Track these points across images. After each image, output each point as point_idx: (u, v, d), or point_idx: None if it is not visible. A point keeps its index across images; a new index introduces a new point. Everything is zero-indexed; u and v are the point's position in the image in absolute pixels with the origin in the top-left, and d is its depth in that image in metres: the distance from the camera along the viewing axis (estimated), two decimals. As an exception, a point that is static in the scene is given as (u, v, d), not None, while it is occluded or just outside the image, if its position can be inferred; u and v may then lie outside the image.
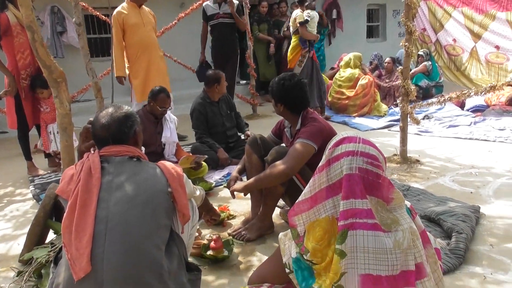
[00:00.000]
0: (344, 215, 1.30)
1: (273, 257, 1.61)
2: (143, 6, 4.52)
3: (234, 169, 2.67)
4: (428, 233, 1.50)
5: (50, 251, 2.08)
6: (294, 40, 5.65)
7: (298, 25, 5.44)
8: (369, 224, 1.28)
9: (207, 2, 5.46)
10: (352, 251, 1.28)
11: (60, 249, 1.53)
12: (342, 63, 6.58)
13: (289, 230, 1.50)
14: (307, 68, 5.65)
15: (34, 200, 3.35)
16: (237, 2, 5.47)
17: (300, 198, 1.45)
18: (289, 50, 5.73)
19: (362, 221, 1.28)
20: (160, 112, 3.59)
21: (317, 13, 5.71)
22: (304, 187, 2.24)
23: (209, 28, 5.55)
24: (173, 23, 6.20)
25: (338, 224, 1.31)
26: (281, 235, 1.55)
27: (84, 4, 5.33)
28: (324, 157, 1.41)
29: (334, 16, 9.47)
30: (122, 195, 1.46)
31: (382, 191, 1.34)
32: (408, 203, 1.48)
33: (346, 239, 1.28)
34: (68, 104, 2.37)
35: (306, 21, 5.40)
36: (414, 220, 1.44)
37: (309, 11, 5.57)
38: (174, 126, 3.78)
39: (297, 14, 5.52)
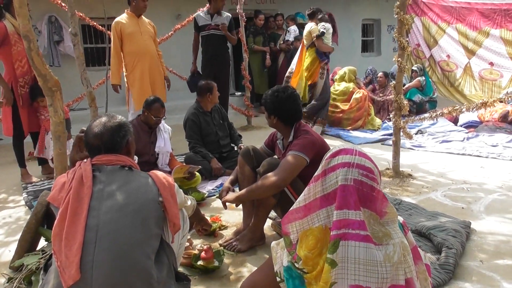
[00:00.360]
0: (337, 225, 1.31)
1: (265, 265, 1.62)
2: (143, 16, 4.60)
3: (227, 180, 2.68)
4: (419, 249, 1.52)
5: (41, 258, 2.08)
6: (310, 54, 5.61)
7: (314, 38, 5.44)
8: (361, 235, 1.30)
9: (199, 13, 5.43)
10: (343, 261, 1.29)
11: (51, 256, 1.54)
12: (336, 76, 6.66)
13: (282, 238, 1.51)
14: (326, 79, 5.70)
15: (27, 207, 3.35)
16: (230, 15, 5.47)
17: (294, 206, 1.47)
18: (306, 65, 5.67)
19: (355, 232, 1.30)
20: (154, 122, 3.62)
21: (330, 25, 5.71)
22: (296, 199, 2.27)
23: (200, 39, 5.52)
24: (169, 34, 6.27)
25: (331, 233, 1.33)
26: (273, 243, 1.57)
27: (81, 14, 5.38)
28: (320, 167, 1.43)
29: (329, 30, 9.60)
30: (112, 204, 1.47)
31: (376, 204, 1.35)
32: (400, 219, 1.50)
33: (338, 249, 1.30)
34: (62, 113, 2.40)
35: (322, 34, 5.43)
36: (406, 235, 1.46)
37: (323, 23, 5.56)
38: (168, 136, 3.81)
39: (311, 27, 5.51)
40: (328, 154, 1.44)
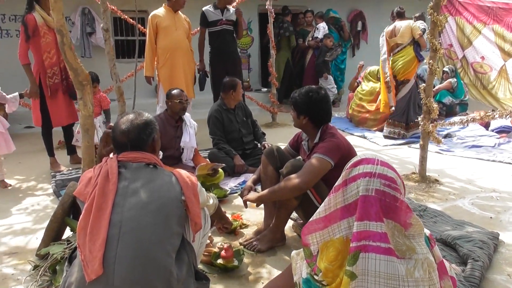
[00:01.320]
0: (357, 236, 1.29)
1: (284, 274, 1.61)
2: (179, 12, 4.65)
3: (249, 178, 2.68)
4: (445, 262, 1.47)
5: (66, 248, 2.14)
6: (408, 53, 5.47)
7: (419, 35, 5.33)
8: (382, 248, 1.26)
9: (207, 7, 5.23)
10: (363, 273, 1.26)
11: (75, 248, 1.57)
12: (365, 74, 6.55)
13: (302, 248, 1.49)
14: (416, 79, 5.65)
15: (54, 196, 3.45)
16: (233, 9, 5.28)
17: (314, 217, 1.45)
18: (402, 63, 5.50)
19: (376, 244, 1.26)
20: (179, 108, 3.64)
21: None
22: (318, 202, 2.25)
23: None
24: (197, 29, 6.28)
25: (351, 245, 1.30)
26: (293, 253, 1.55)
27: (113, 7, 5.47)
28: (341, 177, 1.40)
29: (359, 28, 9.45)
30: (136, 201, 1.49)
31: (400, 214, 1.32)
32: (427, 232, 1.45)
33: (358, 261, 1.27)
34: (92, 106, 2.44)
35: (424, 31, 5.35)
36: (432, 249, 1.41)
37: (421, 21, 5.56)
38: (194, 131, 3.84)
39: (412, 24, 5.41)
40: (349, 163, 1.41)
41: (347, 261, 1.30)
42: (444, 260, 1.50)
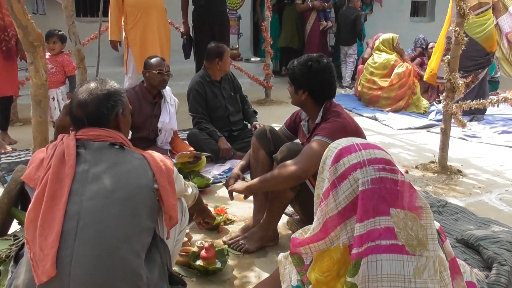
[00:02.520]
0: (359, 241, 1.30)
1: (271, 280, 1.63)
2: None
3: (237, 164, 2.68)
4: (459, 261, 1.49)
5: (12, 244, 2.12)
6: (491, 18, 5.45)
7: None
8: (383, 246, 1.28)
9: None
10: (364, 281, 1.28)
11: (23, 244, 1.56)
12: (377, 43, 6.53)
13: (290, 254, 1.51)
14: None
15: (-1, 183, 3.41)
16: None
17: (308, 235, 1.45)
18: (482, 31, 5.43)
19: (375, 243, 1.29)
20: (158, 80, 3.61)
21: None
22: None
23: None
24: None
25: (352, 252, 1.32)
26: (281, 256, 1.56)
27: (72, -47, 5.35)
28: (326, 180, 1.40)
29: (373, -12, 9.41)
30: (98, 188, 1.47)
31: (403, 198, 1.34)
32: (437, 224, 1.47)
33: (359, 270, 1.29)
34: (45, 73, 2.40)
35: None
36: (443, 244, 1.44)
37: None
38: (175, 110, 3.81)
39: None
40: (328, 160, 1.41)
41: (348, 272, 1.31)
42: (464, 263, 1.52)
